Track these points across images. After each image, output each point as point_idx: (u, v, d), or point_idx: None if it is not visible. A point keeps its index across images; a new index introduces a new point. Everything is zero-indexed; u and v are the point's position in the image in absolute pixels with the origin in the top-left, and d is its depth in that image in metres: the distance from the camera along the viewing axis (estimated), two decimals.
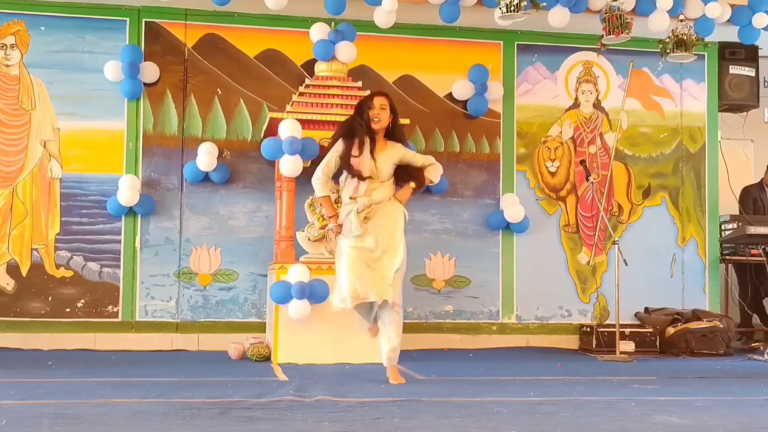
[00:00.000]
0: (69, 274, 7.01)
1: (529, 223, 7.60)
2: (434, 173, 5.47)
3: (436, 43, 7.65)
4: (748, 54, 8.10)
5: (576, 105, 7.94)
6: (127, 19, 7.19)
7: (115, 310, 7.03)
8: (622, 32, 6.55)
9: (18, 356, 6.47)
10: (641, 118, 8.04)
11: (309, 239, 6.61)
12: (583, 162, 7.58)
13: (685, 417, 3.99)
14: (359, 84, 6.84)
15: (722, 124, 8.32)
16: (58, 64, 7.12)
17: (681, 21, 6.81)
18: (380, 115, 5.21)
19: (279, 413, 3.92)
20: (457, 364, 6.45)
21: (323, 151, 6.52)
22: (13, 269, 6.95)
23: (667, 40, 6.82)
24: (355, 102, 5.99)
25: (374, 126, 5.22)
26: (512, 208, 7.52)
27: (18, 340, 6.84)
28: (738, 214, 8.14)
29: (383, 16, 6.64)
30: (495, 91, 7.62)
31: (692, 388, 5.19)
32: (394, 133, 5.33)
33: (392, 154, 5.29)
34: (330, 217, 5.37)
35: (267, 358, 6.41)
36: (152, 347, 6.99)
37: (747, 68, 8.13)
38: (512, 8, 6.27)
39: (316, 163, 6.60)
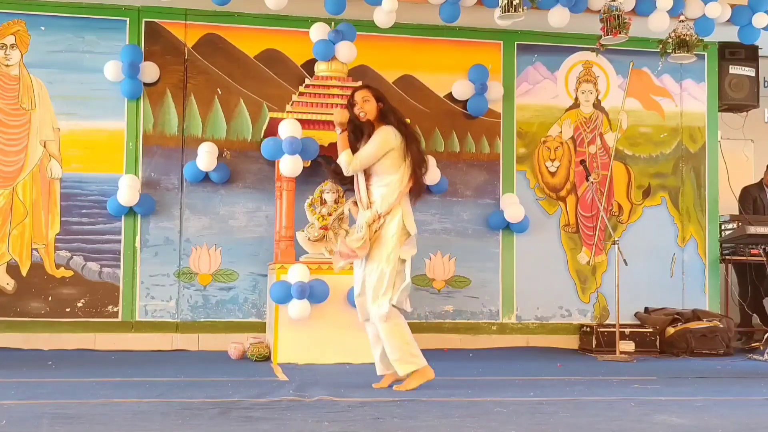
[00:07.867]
0: (69, 274, 7.00)
1: (529, 223, 7.60)
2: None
3: (436, 43, 7.64)
4: (748, 54, 8.10)
5: (576, 105, 7.93)
6: (127, 19, 7.19)
7: (115, 310, 7.03)
8: (620, 32, 6.55)
9: (18, 356, 6.47)
10: (641, 118, 8.04)
11: (309, 239, 6.59)
12: (583, 162, 7.58)
13: (685, 417, 3.98)
14: (359, 84, 6.83)
15: (722, 124, 8.32)
16: (58, 64, 7.11)
17: (681, 21, 6.81)
18: (364, 108, 5.02)
19: (279, 413, 3.91)
20: (457, 364, 6.44)
21: (323, 151, 6.55)
22: (13, 269, 6.95)
23: (668, 40, 6.82)
24: None
25: (363, 120, 5.02)
26: (512, 208, 7.52)
27: (18, 340, 6.84)
28: (738, 214, 8.14)
29: (383, 16, 6.65)
30: (495, 91, 7.61)
31: (692, 388, 5.18)
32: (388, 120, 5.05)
33: None
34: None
35: (267, 358, 6.41)
36: (152, 347, 6.98)
37: (747, 68, 8.13)
38: (509, 8, 6.26)
39: (315, 162, 6.64)
